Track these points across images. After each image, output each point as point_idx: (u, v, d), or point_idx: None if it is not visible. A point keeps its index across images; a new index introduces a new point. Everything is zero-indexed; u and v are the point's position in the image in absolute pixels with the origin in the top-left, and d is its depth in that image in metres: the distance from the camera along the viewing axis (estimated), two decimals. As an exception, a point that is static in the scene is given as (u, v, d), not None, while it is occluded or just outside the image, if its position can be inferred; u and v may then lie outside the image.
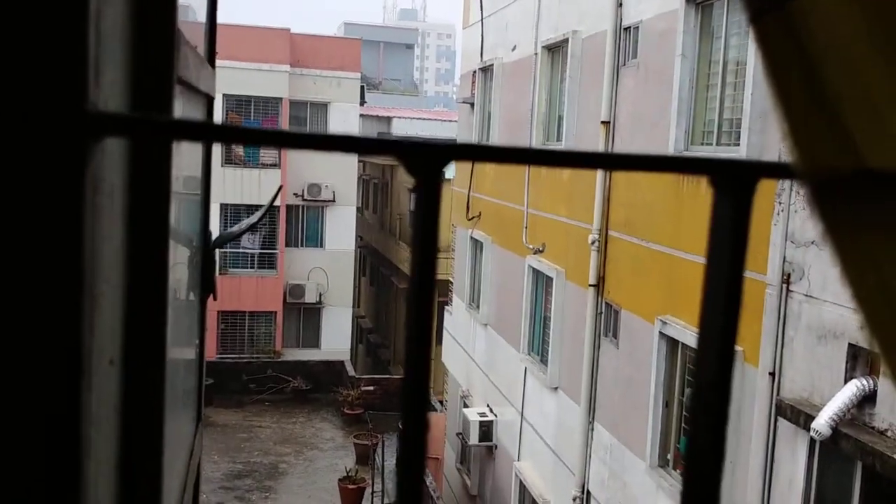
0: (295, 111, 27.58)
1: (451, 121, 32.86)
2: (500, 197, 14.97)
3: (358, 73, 28.63)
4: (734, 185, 0.52)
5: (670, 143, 9.04)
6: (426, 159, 0.49)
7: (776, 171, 0.53)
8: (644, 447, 9.50)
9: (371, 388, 23.94)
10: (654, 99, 9.57)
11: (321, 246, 28.33)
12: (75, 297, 0.48)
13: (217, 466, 19.95)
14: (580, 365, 11.25)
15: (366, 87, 31.14)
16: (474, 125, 16.57)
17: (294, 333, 28.32)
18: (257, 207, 26.45)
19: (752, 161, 0.53)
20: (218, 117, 24.93)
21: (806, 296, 6.87)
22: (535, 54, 13.35)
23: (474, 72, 16.77)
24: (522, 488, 13.52)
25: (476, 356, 16.47)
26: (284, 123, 26.94)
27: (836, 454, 6.46)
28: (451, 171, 19.36)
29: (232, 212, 25.71)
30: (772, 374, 7.22)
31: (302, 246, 28.20)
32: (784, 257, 7.11)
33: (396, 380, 25.27)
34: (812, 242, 6.81)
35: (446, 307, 19.32)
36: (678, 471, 9.08)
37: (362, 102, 29.23)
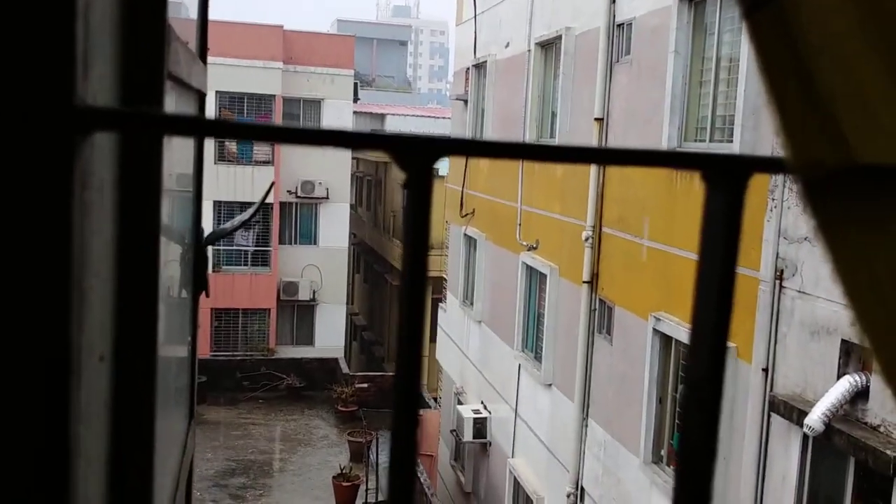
0: (288, 108, 27.55)
1: (444, 118, 32.86)
2: (493, 194, 14.98)
3: (351, 70, 28.60)
4: (727, 179, 0.52)
5: (663, 140, 9.06)
6: (417, 154, 0.48)
7: (769, 165, 0.53)
8: (638, 443, 9.52)
9: (365, 385, 23.93)
10: (648, 95, 9.58)
11: (315, 243, 28.31)
12: (63, 292, 0.47)
13: (211, 464, 19.93)
14: (574, 362, 11.27)
15: (359, 84, 31.10)
16: (468, 122, 16.56)
17: (288, 331, 28.31)
18: (250, 204, 26.42)
19: (744, 156, 0.52)
20: (211, 114, 24.88)
21: (799, 292, 6.89)
22: (529, 51, 13.35)
23: (468, 69, 16.77)
24: (516, 485, 13.54)
25: (470, 353, 16.48)
26: (278, 120, 26.89)
27: (828, 450, 6.48)
28: (444, 167, 19.36)
29: (225, 209, 25.67)
30: (765, 371, 7.23)
31: (295, 243, 28.18)
32: (777, 253, 7.13)
33: (390, 377, 25.10)
34: (805, 239, 6.82)
35: (440, 304, 19.33)
36: (672, 467, 9.10)
37: (356, 99, 29.20)
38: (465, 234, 16.58)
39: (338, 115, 27.90)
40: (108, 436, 0.68)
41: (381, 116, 34.70)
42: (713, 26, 8.57)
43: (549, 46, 12.83)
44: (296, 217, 28.23)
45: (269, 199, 26.49)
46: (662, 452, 9.32)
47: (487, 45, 15.66)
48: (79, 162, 0.49)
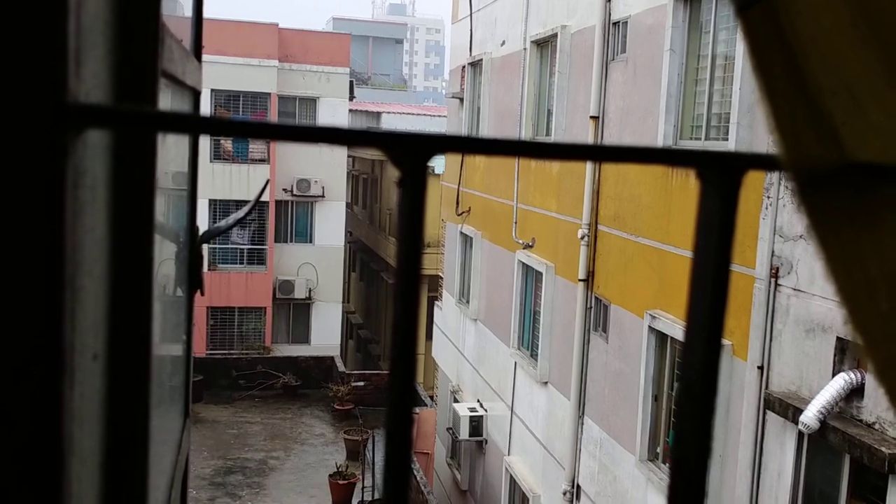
0: (284, 106, 27.52)
1: (440, 116, 32.85)
2: (489, 192, 14.98)
3: (347, 68, 28.57)
4: (721, 176, 0.52)
5: (659, 138, 9.06)
6: (411, 151, 0.48)
7: (763, 163, 0.53)
8: (634, 441, 9.54)
9: (361, 383, 23.93)
10: (643, 93, 9.59)
11: (310, 241, 28.29)
12: (56, 291, 0.47)
13: (207, 463, 19.91)
14: (570, 359, 11.28)
15: (355, 83, 31.07)
16: (464, 120, 16.56)
17: (284, 329, 28.29)
18: (246, 203, 26.35)
19: (738, 153, 0.53)
20: (206, 112, 24.84)
21: (794, 290, 6.90)
22: (524, 49, 13.35)
23: (463, 67, 16.76)
24: (513, 483, 13.55)
25: (466, 351, 16.48)
26: (273, 118, 26.86)
27: (824, 447, 6.49)
28: (440, 165, 19.36)
29: (221, 207, 25.64)
30: (760, 368, 7.25)
31: (291, 241, 28.16)
32: (772, 251, 7.14)
33: (387, 375, 25.20)
34: (800, 236, 6.83)
35: (436, 302, 19.33)
36: (668, 464, 9.12)
37: (351, 97, 29.18)
38: (461, 232, 16.58)
39: (333, 114, 27.87)
40: (102, 435, 0.68)
41: (377, 114, 34.68)
42: (708, 24, 8.58)
43: (544, 44, 12.83)
44: (292, 215, 28.21)
45: (265, 198, 26.46)
46: (658, 450, 9.33)
47: (483, 43, 15.66)
48: (71, 160, 0.48)
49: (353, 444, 20.39)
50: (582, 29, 11.27)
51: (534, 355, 12.93)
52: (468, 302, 16.25)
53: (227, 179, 26.29)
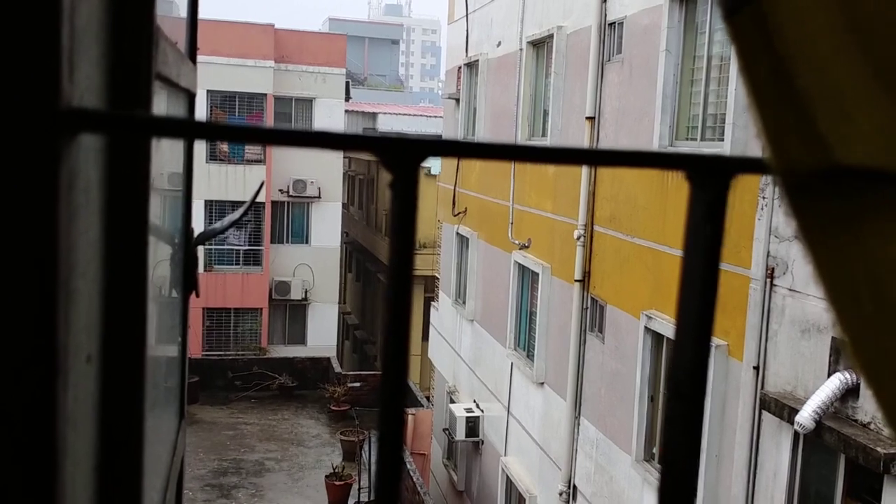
0: (280, 107, 27.51)
1: (436, 116, 32.86)
2: (485, 192, 14.99)
3: (343, 68, 28.57)
4: (710, 180, 0.52)
5: (655, 139, 9.07)
6: (402, 155, 0.49)
7: (751, 166, 0.54)
8: (630, 441, 9.55)
9: (357, 384, 23.91)
10: (639, 94, 9.60)
11: (307, 242, 28.28)
12: (50, 293, 0.48)
13: (203, 464, 19.89)
14: (566, 360, 11.29)
15: (351, 83, 31.07)
16: (460, 121, 16.57)
17: (280, 330, 28.27)
18: (242, 204, 26.37)
19: (727, 156, 0.53)
20: (202, 113, 24.83)
21: (790, 290, 6.92)
22: (520, 50, 13.36)
23: (459, 67, 16.77)
24: (509, 483, 13.55)
25: (462, 352, 16.49)
26: (269, 119, 26.85)
27: (819, 447, 6.51)
28: (437, 166, 19.37)
29: (217, 208, 25.62)
30: (756, 368, 7.26)
31: (287, 242, 28.15)
32: (768, 252, 7.15)
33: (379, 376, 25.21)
34: (796, 237, 6.85)
35: (433, 303, 19.33)
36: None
37: (347, 98, 29.18)
38: (458, 233, 16.59)
39: (329, 114, 27.87)
40: (96, 437, 0.68)
41: (373, 115, 34.68)
42: (704, 25, 8.60)
43: (540, 45, 12.84)
44: (288, 216, 28.20)
45: (261, 199, 26.45)
46: (654, 450, 9.34)
47: (479, 44, 15.67)
48: (65, 163, 0.49)
49: (350, 445, 20.38)
50: (578, 30, 11.28)
51: (530, 356, 12.94)
52: (464, 303, 16.26)
53: (223, 180, 26.27)
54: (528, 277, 13.18)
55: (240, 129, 0.49)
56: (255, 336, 27.50)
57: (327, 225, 28.36)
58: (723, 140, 7.95)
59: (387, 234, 30.45)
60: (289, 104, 27.76)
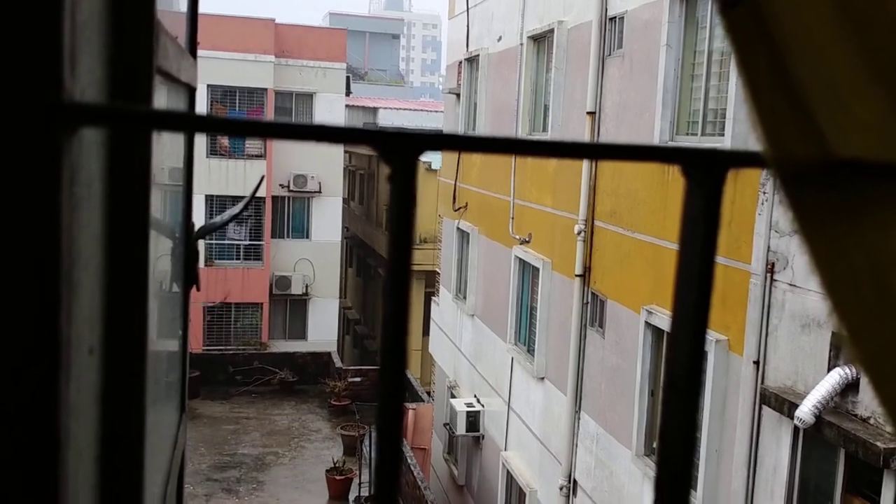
0: (280, 102, 27.48)
1: (437, 111, 32.82)
2: (486, 187, 14.98)
3: (343, 63, 28.53)
4: (706, 173, 0.53)
5: (655, 134, 9.07)
6: (401, 148, 0.49)
7: (747, 160, 0.54)
8: (630, 436, 9.56)
9: (358, 379, 23.94)
10: (640, 89, 9.59)
11: (307, 237, 28.27)
12: (52, 285, 0.48)
13: (204, 458, 19.92)
14: (566, 355, 11.29)
15: (351, 78, 31.04)
16: (460, 116, 16.55)
17: (280, 325, 28.28)
18: (243, 198, 26.32)
19: (722, 150, 0.53)
20: (203, 108, 24.80)
21: (790, 285, 6.92)
22: (521, 45, 13.35)
23: (460, 62, 16.75)
24: (509, 478, 13.58)
25: (463, 347, 16.50)
26: (270, 114, 26.83)
27: (819, 442, 6.51)
28: (437, 161, 19.35)
29: (217, 203, 25.61)
30: (756, 363, 7.27)
31: (288, 237, 28.14)
32: (768, 247, 7.15)
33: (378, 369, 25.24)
34: (793, 228, 6.85)
35: (433, 298, 19.34)
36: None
37: (348, 93, 29.15)
38: (458, 228, 16.58)
39: (330, 109, 27.85)
40: (98, 429, 0.69)
41: (374, 110, 34.64)
42: (705, 20, 8.59)
43: (541, 40, 12.83)
44: (288, 211, 28.19)
45: (261, 193, 26.44)
46: (654, 445, 9.35)
47: (480, 39, 15.65)
48: (67, 157, 0.49)
49: (350, 440, 20.41)
50: (578, 24, 11.27)
51: (530, 351, 12.95)
52: (465, 298, 16.27)
53: (223, 175, 26.25)
54: (528, 272, 13.19)
55: (240, 123, 0.49)
56: (255, 331, 27.52)
57: (328, 220, 28.35)
58: (723, 135, 7.95)
59: (387, 230, 30.50)
60: (289, 99, 27.73)
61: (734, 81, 7.67)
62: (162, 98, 1.31)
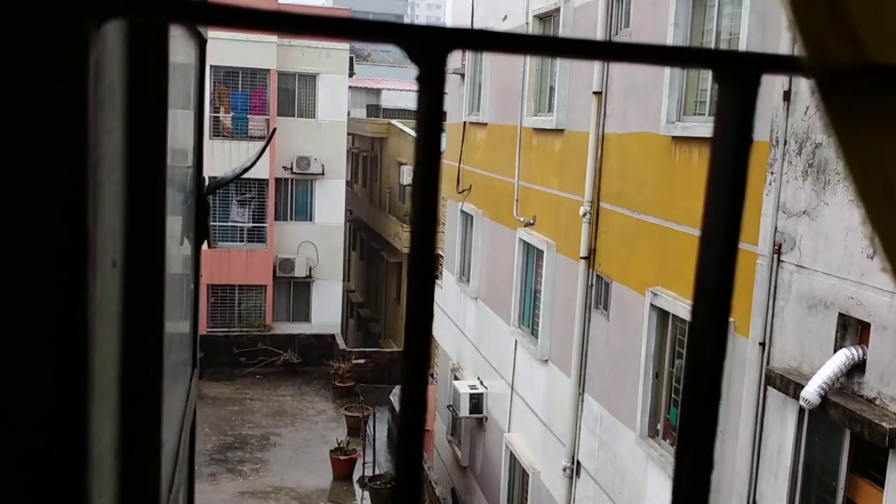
0: (283, 83, 27.40)
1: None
2: (490, 169, 14.95)
3: (347, 44, 28.41)
4: (740, 77, 0.52)
5: (662, 114, 9.03)
6: (430, 45, 0.48)
7: (781, 64, 0.53)
8: (634, 418, 9.58)
9: (362, 361, 24.01)
10: (647, 69, 9.54)
11: (310, 220, 28.26)
12: (79, 175, 0.47)
13: (209, 439, 20.02)
14: (571, 337, 11.30)
15: (355, 59, 30.92)
16: (464, 96, 16.50)
17: (284, 307, 28.33)
18: (246, 184, 26.36)
19: (757, 53, 0.52)
20: (206, 90, 24.75)
21: (797, 266, 6.90)
22: (527, 24, 13.28)
23: (465, 43, 16.66)
24: (513, 459, 13.62)
25: (466, 329, 16.52)
26: (272, 95, 26.77)
27: (824, 422, 6.52)
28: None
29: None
30: (762, 345, 7.26)
31: (291, 220, 28.13)
32: (775, 227, 7.13)
33: (387, 353, 25.33)
34: (804, 212, 6.82)
35: (437, 281, 19.36)
36: (668, 441, 9.16)
37: (351, 74, 29.06)
38: (462, 211, 16.56)
39: (333, 90, 27.77)
40: (120, 340, 0.68)
41: (377, 91, 34.55)
42: (713, -1, 8.53)
43: (547, 19, 12.76)
44: (291, 193, 28.17)
45: (265, 175, 26.41)
46: (658, 427, 9.37)
47: (485, 18, 15.57)
48: (94, 51, 0.48)
49: (354, 421, 20.51)
50: (585, 3, 11.20)
51: (534, 333, 12.96)
52: (468, 280, 16.27)
53: (226, 156, 26.22)
54: (532, 255, 13.18)
55: (258, 14, 0.47)
56: (259, 313, 27.57)
57: (331, 202, 28.33)
58: (730, 115, 7.90)
59: (391, 212, 30.27)
60: (292, 80, 27.65)
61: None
62: (176, 48, 1.30)
